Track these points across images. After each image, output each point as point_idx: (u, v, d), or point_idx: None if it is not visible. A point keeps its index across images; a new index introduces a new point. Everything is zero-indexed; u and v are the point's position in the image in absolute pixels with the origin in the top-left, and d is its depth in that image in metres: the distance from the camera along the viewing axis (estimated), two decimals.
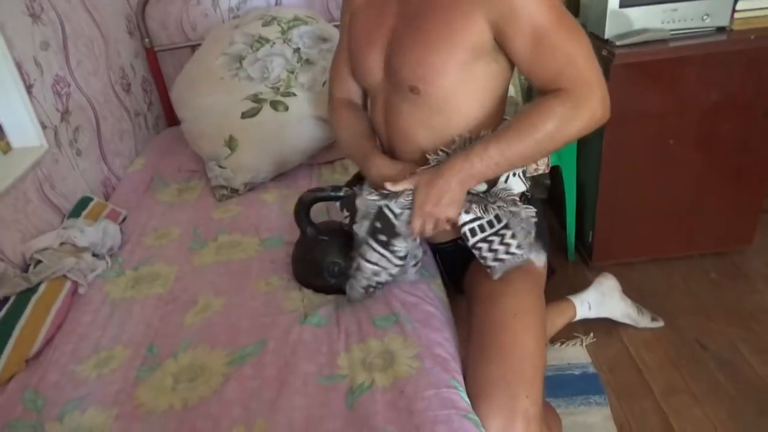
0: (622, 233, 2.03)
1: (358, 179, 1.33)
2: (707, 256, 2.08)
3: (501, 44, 1.03)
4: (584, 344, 1.77)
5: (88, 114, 1.68)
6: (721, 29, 1.79)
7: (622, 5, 1.75)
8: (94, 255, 1.38)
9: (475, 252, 1.15)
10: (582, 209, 2.08)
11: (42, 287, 1.22)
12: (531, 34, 0.98)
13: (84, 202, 1.52)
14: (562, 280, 2.05)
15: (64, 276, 1.27)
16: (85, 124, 1.66)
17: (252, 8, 2.15)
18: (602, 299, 1.76)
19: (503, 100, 1.17)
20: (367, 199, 1.13)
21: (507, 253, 1.13)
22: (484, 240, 1.13)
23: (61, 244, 1.35)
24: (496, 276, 1.15)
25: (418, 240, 1.17)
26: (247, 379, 1.02)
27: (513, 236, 1.12)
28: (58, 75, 1.55)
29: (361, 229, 1.15)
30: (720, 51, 1.75)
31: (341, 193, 1.23)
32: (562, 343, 1.78)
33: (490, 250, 1.13)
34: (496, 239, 1.12)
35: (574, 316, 1.73)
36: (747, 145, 1.88)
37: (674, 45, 1.75)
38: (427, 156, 1.13)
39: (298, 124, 1.73)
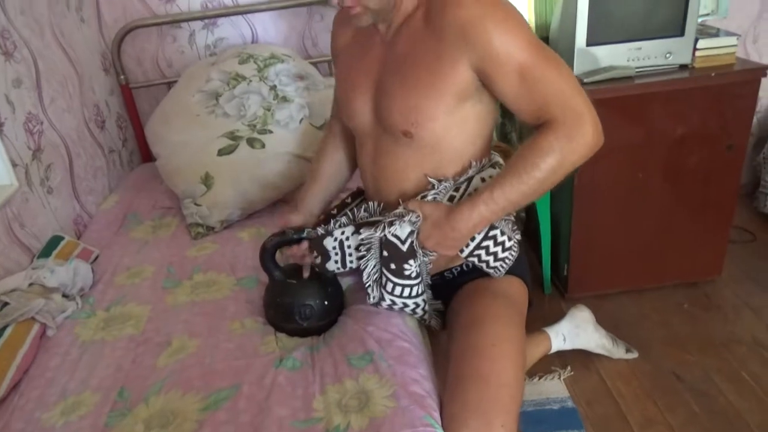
0: (597, 265, 2.06)
1: (327, 218, 1.33)
2: (679, 286, 2.12)
3: (486, 85, 1.06)
4: (562, 378, 1.77)
5: (60, 151, 1.66)
6: (683, 67, 1.86)
7: (589, 44, 1.81)
8: (65, 296, 1.35)
9: (473, 260, 1.18)
10: (557, 242, 2.10)
11: (8, 330, 1.18)
12: (515, 72, 1.00)
13: (55, 241, 1.49)
14: (539, 313, 2.06)
15: (32, 318, 1.24)
16: (58, 161, 1.64)
17: (229, 46, 2.17)
18: (576, 331, 1.77)
19: (490, 136, 1.21)
20: (366, 235, 1.15)
21: (504, 250, 1.17)
22: (478, 247, 1.15)
23: (30, 284, 1.32)
24: (499, 276, 1.21)
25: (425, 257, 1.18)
26: (221, 425, 0.99)
27: (502, 233, 1.16)
28: (30, 113, 1.54)
29: (369, 264, 1.18)
30: (683, 88, 1.82)
31: (304, 235, 1.25)
32: (540, 377, 1.78)
33: (489, 253, 1.17)
34: (490, 243, 1.16)
35: (550, 348, 1.74)
36: (712, 177, 1.94)
37: (640, 82, 1.81)
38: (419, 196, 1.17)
39: (275, 162, 1.74)
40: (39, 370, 1.16)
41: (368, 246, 1.17)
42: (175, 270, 1.49)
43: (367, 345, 1.15)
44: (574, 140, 1.01)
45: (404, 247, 1.12)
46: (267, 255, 1.26)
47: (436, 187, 1.16)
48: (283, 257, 1.32)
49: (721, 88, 1.82)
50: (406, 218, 1.11)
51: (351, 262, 1.23)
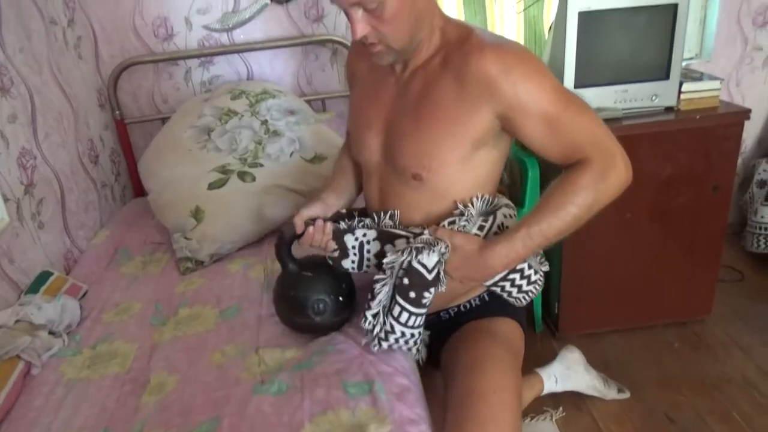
0: (587, 304, 2.06)
1: (340, 216, 1.29)
2: (670, 325, 2.12)
3: (510, 131, 1.06)
4: (554, 419, 1.75)
5: (53, 186, 1.66)
6: (669, 109, 1.91)
7: (577, 86, 1.85)
8: (51, 333, 1.34)
9: (496, 289, 1.19)
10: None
11: None
12: (542, 121, 1.01)
13: (43, 276, 1.48)
14: (530, 352, 2.04)
15: (17, 356, 1.22)
16: (50, 196, 1.64)
17: (224, 83, 2.20)
18: (567, 372, 1.76)
19: (498, 180, 1.20)
20: (391, 259, 1.10)
21: (530, 283, 1.18)
22: (504, 279, 1.15)
23: (17, 321, 1.30)
24: (519, 305, 1.22)
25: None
26: None
27: (530, 266, 1.16)
28: (24, 148, 1.55)
29: (384, 290, 1.12)
30: (669, 129, 1.86)
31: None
32: (532, 419, 1.76)
33: (513, 285, 1.17)
34: (516, 276, 1.16)
35: (542, 390, 1.73)
36: (699, 217, 1.96)
37: (627, 123, 1.85)
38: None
39: (265, 194, 1.75)
40: (22, 410, 1.14)
41: (390, 267, 1.12)
42: (163, 306, 1.48)
43: (368, 373, 1.11)
44: (608, 178, 1.02)
45: (430, 276, 1.08)
46: (283, 245, 1.21)
47: (464, 213, 1.13)
48: (301, 245, 1.23)
49: (706, 130, 1.87)
50: (436, 248, 1.08)
51: (368, 266, 1.20)
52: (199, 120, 1.88)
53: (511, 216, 1.18)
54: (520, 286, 1.17)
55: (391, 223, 1.19)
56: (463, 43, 1.03)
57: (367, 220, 1.24)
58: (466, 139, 1.06)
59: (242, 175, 1.76)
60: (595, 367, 1.84)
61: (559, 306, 2.06)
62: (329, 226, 1.19)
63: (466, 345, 1.18)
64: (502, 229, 1.14)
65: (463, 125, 1.05)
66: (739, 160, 2.53)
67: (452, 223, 1.13)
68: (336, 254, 1.19)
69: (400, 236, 1.15)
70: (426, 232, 1.11)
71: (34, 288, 1.44)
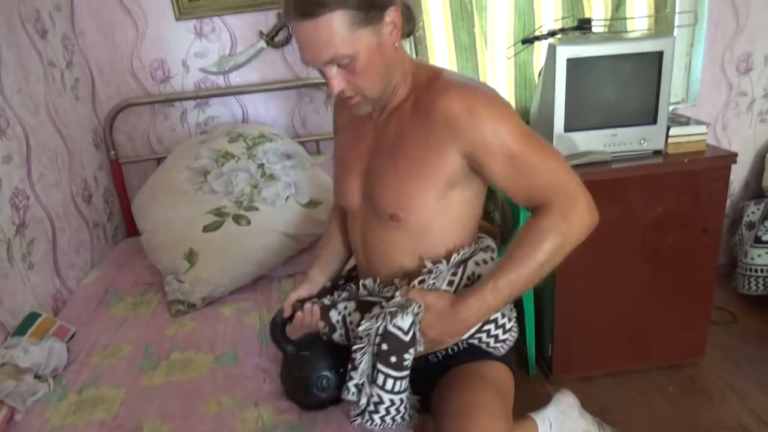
0: (581, 347, 2.05)
1: (325, 290, 1.32)
2: (664, 369, 2.10)
3: (476, 171, 1.08)
4: None
5: (45, 226, 1.66)
6: (657, 152, 1.94)
7: (566, 130, 1.88)
8: (37, 376, 1.32)
9: (473, 341, 1.19)
10: (540, 323, 2.10)
11: None
12: (505, 160, 1.02)
13: (31, 318, 1.46)
14: (524, 395, 2.02)
15: (1, 401, 1.19)
16: (41, 236, 1.64)
17: (219, 124, 2.23)
18: (562, 417, 1.74)
19: (478, 219, 1.23)
20: (366, 326, 1.11)
21: (505, 332, 1.19)
22: (479, 331, 1.16)
23: (2, 365, 1.28)
24: (499, 354, 1.21)
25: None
26: None
27: (503, 315, 1.17)
28: (17, 188, 1.55)
29: (365, 359, 1.12)
30: (658, 173, 1.89)
31: (316, 303, 1.23)
32: None
33: (490, 336, 1.18)
34: (491, 326, 1.17)
35: None
36: (690, 259, 1.98)
37: (616, 166, 1.87)
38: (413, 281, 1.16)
39: (260, 238, 1.75)
40: None
41: (367, 334, 1.12)
42: (153, 350, 1.46)
43: None
44: (570, 220, 1.03)
45: (407, 338, 1.08)
46: (277, 329, 1.25)
47: (432, 271, 1.15)
48: (293, 328, 1.28)
49: (694, 173, 1.90)
50: (409, 309, 1.08)
51: (355, 337, 1.19)
52: (196, 162, 1.90)
53: (486, 261, 1.18)
54: (496, 336, 1.18)
55: (366, 292, 1.22)
56: (431, 85, 1.07)
57: (344, 294, 1.26)
58: (438, 179, 1.08)
59: (237, 219, 1.76)
60: (589, 412, 1.81)
61: (552, 349, 2.05)
62: (316, 307, 1.23)
63: (454, 390, 1.17)
64: (473, 279, 1.15)
65: (435, 166, 1.07)
66: (728, 202, 2.56)
67: (422, 281, 1.14)
68: (326, 330, 1.22)
69: (375, 303, 1.16)
70: (397, 293, 1.12)
71: (21, 330, 1.42)
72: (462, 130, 1.02)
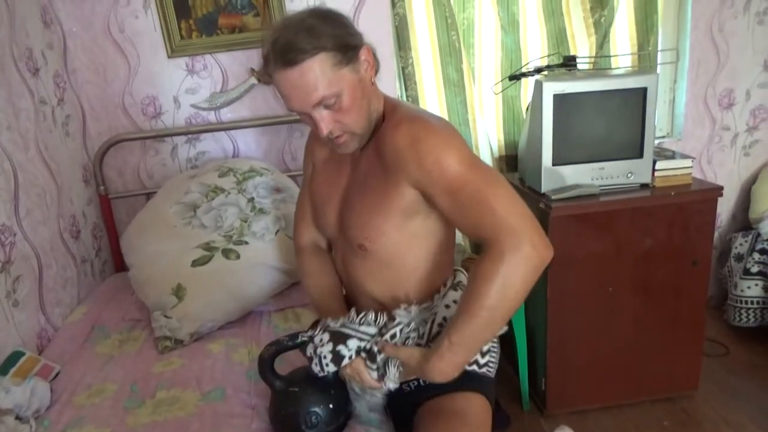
0: (574, 380, 2.03)
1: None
2: (657, 402, 2.09)
3: (428, 202, 1.10)
4: None
5: (31, 263, 1.64)
6: (644, 185, 1.97)
7: (554, 163, 1.91)
8: (18, 418, 1.28)
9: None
10: (533, 356, 2.09)
11: None
12: (446, 191, 1.03)
13: (14, 357, 1.43)
14: (518, 430, 2.00)
15: None
16: (27, 273, 1.61)
17: (210, 159, 2.23)
18: None
19: (448, 250, 1.24)
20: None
21: (483, 354, 1.22)
22: None
23: None
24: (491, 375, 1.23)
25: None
26: None
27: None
28: (4, 225, 1.53)
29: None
30: (646, 205, 1.91)
31: (299, 341, 1.22)
32: None
33: (471, 364, 1.20)
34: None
35: None
36: (680, 290, 1.98)
37: (604, 200, 1.89)
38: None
39: (249, 272, 1.74)
40: None
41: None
42: (139, 388, 1.43)
43: None
44: (510, 262, 0.97)
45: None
46: (266, 365, 1.22)
47: (399, 315, 1.17)
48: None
49: (681, 206, 1.92)
50: (392, 368, 1.14)
51: (328, 368, 1.19)
52: (186, 196, 1.89)
53: (456, 302, 1.18)
54: (476, 362, 1.21)
55: (339, 324, 1.20)
56: (388, 121, 1.12)
57: (317, 331, 1.24)
58: (394, 209, 1.11)
59: (227, 253, 1.75)
60: None
61: (546, 383, 2.03)
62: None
63: (430, 427, 1.16)
64: (444, 324, 1.15)
65: (390, 197, 1.11)
66: (716, 234, 2.59)
67: (393, 336, 1.16)
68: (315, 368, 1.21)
69: (350, 336, 1.17)
70: (374, 347, 1.16)
71: (3, 370, 1.39)
72: (407, 162, 1.05)
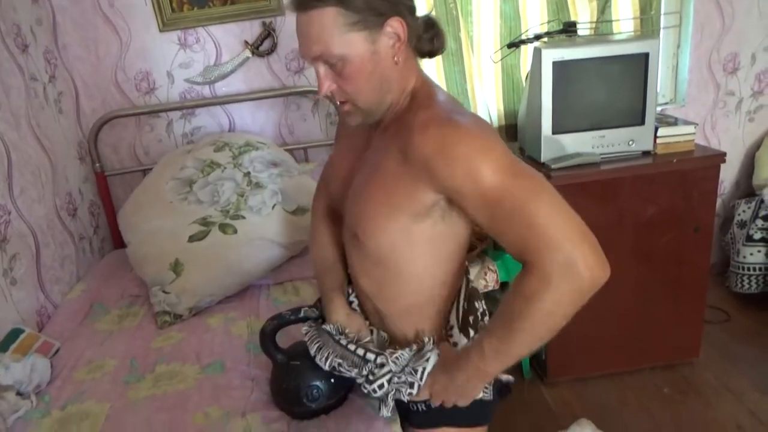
0: (575, 349, 2.03)
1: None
2: (658, 369, 2.09)
3: (457, 209, 0.98)
4: None
5: (27, 241, 1.63)
6: (646, 153, 1.94)
7: (554, 132, 1.88)
8: (19, 394, 1.29)
9: None
10: None
11: None
12: (481, 205, 0.89)
13: (14, 334, 1.44)
14: (519, 399, 2.01)
15: None
16: (24, 251, 1.61)
17: (206, 134, 2.21)
18: None
19: (459, 259, 1.09)
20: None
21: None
22: None
23: None
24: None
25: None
26: None
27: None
28: None
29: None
30: (647, 173, 1.88)
31: (301, 315, 1.22)
32: None
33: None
34: None
35: None
36: (682, 258, 1.97)
37: (605, 168, 1.87)
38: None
39: (247, 247, 1.73)
40: None
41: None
42: (138, 363, 1.43)
43: None
44: (560, 284, 0.85)
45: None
46: (267, 339, 1.22)
47: (389, 363, 1.08)
48: None
49: (683, 173, 1.89)
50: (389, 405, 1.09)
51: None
52: (181, 172, 1.88)
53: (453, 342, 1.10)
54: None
55: (346, 340, 1.15)
56: (417, 113, 0.96)
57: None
58: (403, 210, 0.98)
59: (224, 228, 1.74)
60: (585, 415, 1.79)
61: (546, 351, 2.03)
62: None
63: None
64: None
65: (401, 196, 0.97)
66: (719, 201, 2.56)
67: (381, 387, 1.09)
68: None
69: (349, 356, 1.11)
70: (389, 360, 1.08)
71: (3, 346, 1.40)
72: (434, 171, 0.90)
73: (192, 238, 1.71)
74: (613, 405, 1.95)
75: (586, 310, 2.11)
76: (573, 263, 0.84)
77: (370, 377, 1.08)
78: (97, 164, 2.11)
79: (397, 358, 1.07)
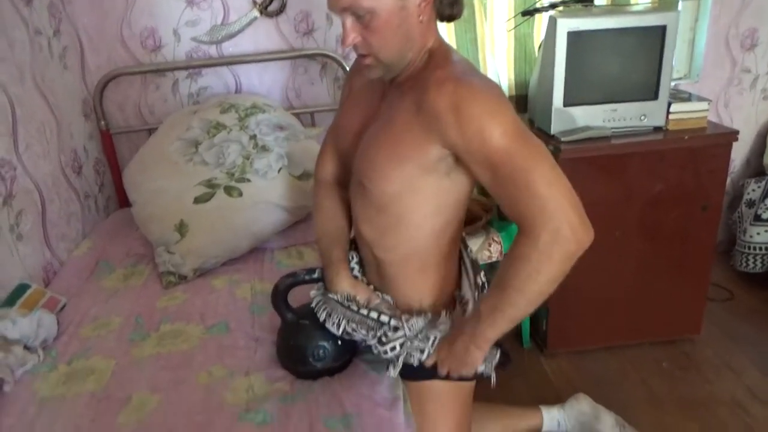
0: (576, 321, 2.04)
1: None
2: (658, 344, 2.10)
3: (461, 166, 1.03)
4: None
5: (33, 197, 1.63)
6: (658, 129, 1.91)
7: (566, 104, 1.85)
8: (26, 348, 1.30)
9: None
10: None
11: None
12: (487, 166, 0.96)
13: (21, 289, 1.44)
14: (518, 369, 2.03)
15: None
16: (30, 207, 1.61)
17: (212, 95, 2.18)
18: (578, 425, 1.70)
19: (455, 220, 1.15)
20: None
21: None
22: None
23: None
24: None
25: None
26: None
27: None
28: (3, 159, 1.51)
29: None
30: (658, 149, 1.86)
31: (316, 276, 1.23)
32: None
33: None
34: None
35: (539, 426, 1.70)
36: (688, 235, 1.96)
37: (616, 142, 1.84)
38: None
39: (252, 210, 1.72)
40: None
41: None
42: (143, 321, 1.45)
43: (345, 407, 1.12)
44: (548, 245, 0.93)
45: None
46: (279, 296, 1.24)
47: (403, 328, 1.14)
48: None
49: (694, 150, 1.87)
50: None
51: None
52: (187, 132, 1.86)
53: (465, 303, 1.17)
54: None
55: (357, 306, 1.19)
56: (435, 71, 1.00)
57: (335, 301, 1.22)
58: (410, 160, 1.03)
59: (229, 190, 1.73)
60: (582, 385, 1.81)
61: (547, 323, 2.04)
62: None
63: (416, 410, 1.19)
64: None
65: (410, 147, 1.02)
66: (728, 180, 2.53)
67: (393, 348, 1.14)
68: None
69: (363, 320, 1.16)
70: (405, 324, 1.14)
71: (10, 301, 1.41)
72: (445, 126, 0.96)
73: (197, 200, 1.71)
74: (612, 378, 1.97)
75: (588, 283, 2.13)
76: (563, 230, 0.92)
77: (383, 339, 1.14)
78: (103, 122, 2.09)
79: (412, 324, 1.13)
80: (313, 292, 1.25)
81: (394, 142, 1.04)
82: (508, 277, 0.97)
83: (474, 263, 1.23)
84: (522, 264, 0.95)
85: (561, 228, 0.92)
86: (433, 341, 1.12)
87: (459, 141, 0.96)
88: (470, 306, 1.15)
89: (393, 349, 1.13)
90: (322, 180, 1.35)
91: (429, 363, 1.12)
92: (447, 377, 1.14)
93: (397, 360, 1.13)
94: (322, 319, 1.20)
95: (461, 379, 1.15)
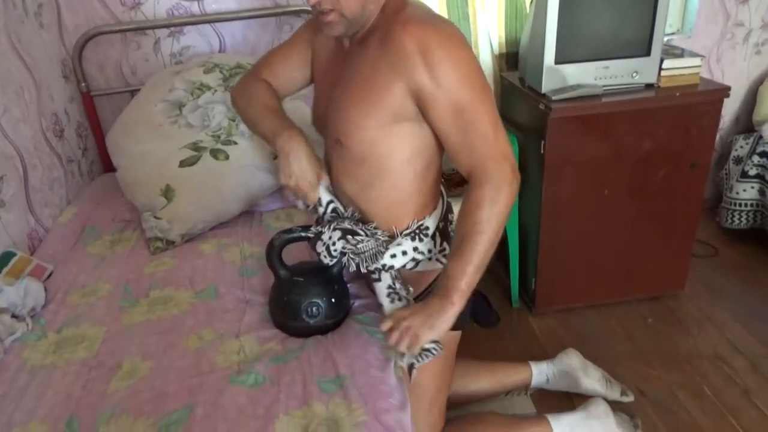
0: (563, 280, 2.07)
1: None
2: (643, 300, 2.14)
3: (423, 114, 1.06)
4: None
5: (14, 163, 1.59)
6: (649, 86, 1.89)
7: (557, 62, 1.82)
8: (14, 316, 1.29)
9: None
10: (524, 257, 2.11)
11: None
12: (448, 107, 1.01)
13: (5, 257, 1.43)
14: (506, 327, 2.06)
15: None
16: (11, 173, 1.57)
17: (195, 54, 2.12)
18: (566, 380, 1.73)
19: (435, 162, 1.18)
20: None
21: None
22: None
23: None
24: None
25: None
26: None
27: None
28: None
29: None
30: (649, 107, 1.84)
31: (311, 233, 1.23)
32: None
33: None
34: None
35: (528, 380, 1.75)
36: (676, 193, 1.97)
37: (607, 100, 1.82)
38: None
39: (239, 173, 1.70)
40: None
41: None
42: (132, 288, 1.44)
43: (338, 368, 1.13)
44: (502, 188, 1.03)
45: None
46: (274, 252, 1.24)
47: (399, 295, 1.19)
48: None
49: (685, 107, 1.85)
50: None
51: (336, 253, 1.22)
52: (170, 94, 1.81)
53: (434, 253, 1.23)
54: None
55: (348, 217, 1.22)
56: (396, 15, 1.03)
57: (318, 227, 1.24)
58: (381, 108, 1.06)
59: (215, 153, 1.70)
60: (571, 344, 1.85)
61: (536, 282, 2.06)
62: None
63: None
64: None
65: (378, 93, 1.05)
66: (717, 137, 2.53)
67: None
68: (326, 259, 1.22)
69: (357, 233, 1.19)
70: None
71: None
72: (410, 68, 1.00)
73: (183, 163, 1.68)
74: (598, 334, 2.01)
75: (577, 242, 2.14)
76: (513, 171, 1.04)
77: (381, 249, 1.18)
78: (83, 84, 2.03)
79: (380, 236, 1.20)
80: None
81: (362, 90, 1.07)
82: (469, 226, 1.03)
83: (448, 205, 1.28)
84: (483, 209, 1.03)
85: (513, 169, 1.04)
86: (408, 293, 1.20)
87: (427, 83, 1.00)
88: (430, 232, 1.22)
89: (393, 256, 1.18)
90: (253, 80, 1.33)
91: (385, 327, 1.11)
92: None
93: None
94: (319, 249, 1.21)
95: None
